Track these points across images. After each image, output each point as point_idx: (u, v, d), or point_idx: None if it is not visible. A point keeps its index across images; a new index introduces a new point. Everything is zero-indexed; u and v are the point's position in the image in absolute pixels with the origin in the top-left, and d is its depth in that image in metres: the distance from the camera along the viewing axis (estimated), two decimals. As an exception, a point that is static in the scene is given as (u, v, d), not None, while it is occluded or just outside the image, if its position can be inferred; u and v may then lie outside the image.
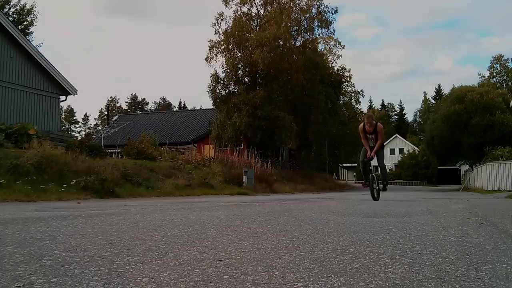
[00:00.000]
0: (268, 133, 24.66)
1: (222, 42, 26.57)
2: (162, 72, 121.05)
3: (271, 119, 24.51)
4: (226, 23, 27.29)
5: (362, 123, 7.92)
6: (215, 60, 27.21)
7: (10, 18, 26.88)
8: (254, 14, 28.10)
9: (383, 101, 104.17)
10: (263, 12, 28.06)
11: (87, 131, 79.07)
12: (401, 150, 58.31)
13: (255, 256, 1.84)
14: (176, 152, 18.32)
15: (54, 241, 2.25)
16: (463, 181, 35.77)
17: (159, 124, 36.67)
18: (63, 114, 68.66)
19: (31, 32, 34.91)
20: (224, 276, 1.47)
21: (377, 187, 7.71)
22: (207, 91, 27.04)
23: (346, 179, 50.71)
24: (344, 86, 36.82)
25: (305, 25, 29.88)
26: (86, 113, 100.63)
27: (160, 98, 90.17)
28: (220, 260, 1.75)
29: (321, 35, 32.00)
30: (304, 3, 29.42)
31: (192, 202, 7.04)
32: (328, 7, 30.35)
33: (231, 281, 1.41)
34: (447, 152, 34.77)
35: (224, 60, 26.44)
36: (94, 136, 39.37)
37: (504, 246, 2.16)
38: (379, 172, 8.29)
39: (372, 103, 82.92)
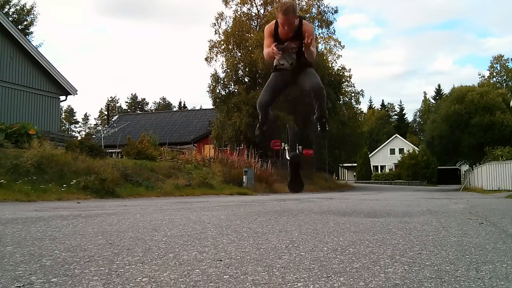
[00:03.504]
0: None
1: (222, 42, 26.59)
2: (162, 72, 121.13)
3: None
4: (226, 23, 27.35)
5: (273, 22, 4.01)
6: (215, 60, 27.26)
7: (10, 18, 26.88)
8: (254, 14, 28.14)
9: (383, 101, 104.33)
10: (263, 12, 28.08)
11: (87, 131, 79.08)
12: (401, 150, 58.32)
13: (255, 256, 1.84)
14: (176, 152, 18.32)
15: (54, 241, 2.25)
16: (463, 181, 35.77)
17: (159, 124, 36.67)
18: (63, 114, 68.68)
19: (31, 32, 34.95)
20: (224, 276, 1.47)
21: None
22: (207, 91, 27.10)
23: (346, 179, 50.73)
24: (344, 86, 36.82)
25: (305, 25, 29.90)
26: (86, 113, 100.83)
27: (160, 98, 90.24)
28: (220, 260, 1.75)
29: (321, 35, 32.05)
30: (304, 3, 29.48)
31: (192, 202, 7.04)
32: (328, 7, 30.44)
33: (231, 281, 1.41)
34: (447, 152, 34.79)
35: (224, 60, 26.46)
36: (94, 136, 39.36)
37: (504, 246, 2.16)
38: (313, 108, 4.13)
39: (372, 103, 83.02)
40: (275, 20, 4.03)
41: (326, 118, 4.32)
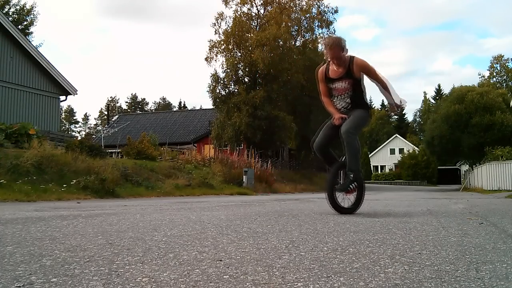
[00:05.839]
0: (268, 133, 24.67)
1: (222, 42, 26.59)
2: (162, 72, 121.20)
3: (271, 119, 24.51)
4: (226, 23, 27.35)
5: (323, 65, 4.13)
6: (215, 60, 27.28)
7: (10, 18, 26.89)
8: (254, 14, 28.12)
9: (383, 101, 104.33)
10: (263, 12, 28.08)
11: (87, 131, 79.13)
12: (401, 150, 58.39)
13: (255, 256, 1.84)
14: (176, 152, 18.33)
15: (54, 241, 2.25)
16: (463, 181, 35.78)
17: (159, 124, 36.69)
18: (63, 114, 68.73)
19: (31, 32, 34.98)
20: (224, 276, 1.47)
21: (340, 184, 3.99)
22: (207, 91, 27.13)
23: (346, 179, 50.61)
24: (344, 86, 36.79)
25: (305, 25, 29.91)
26: (86, 113, 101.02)
27: (160, 98, 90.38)
28: (220, 260, 1.75)
29: (321, 35, 31.99)
30: (304, 3, 29.46)
31: (192, 202, 7.04)
32: (328, 7, 30.40)
33: (231, 281, 1.41)
34: (447, 152, 34.79)
35: (224, 60, 26.48)
36: (94, 136, 39.36)
37: (504, 246, 2.16)
38: (344, 155, 3.96)
39: (372, 103, 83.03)
40: (323, 64, 4.16)
41: (358, 177, 3.94)
